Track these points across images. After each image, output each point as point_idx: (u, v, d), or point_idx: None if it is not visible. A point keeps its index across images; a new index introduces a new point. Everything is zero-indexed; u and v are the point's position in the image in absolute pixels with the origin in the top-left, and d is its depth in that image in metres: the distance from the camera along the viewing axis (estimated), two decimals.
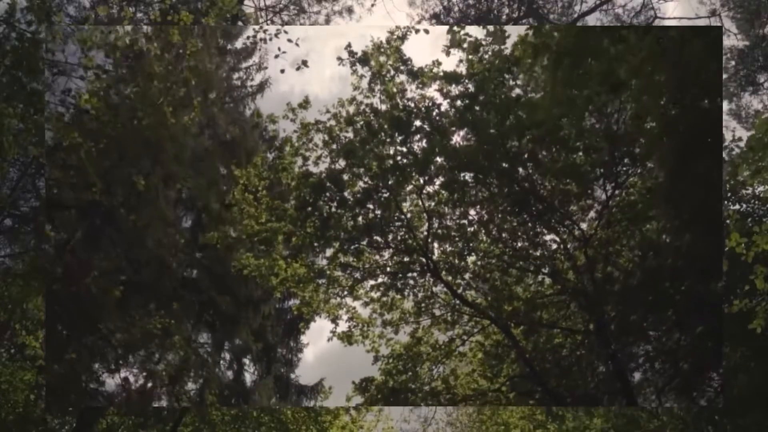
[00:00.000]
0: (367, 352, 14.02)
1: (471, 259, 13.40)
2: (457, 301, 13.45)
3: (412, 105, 11.98)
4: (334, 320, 13.97)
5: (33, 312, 14.26)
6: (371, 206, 12.69)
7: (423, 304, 13.74)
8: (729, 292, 11.69)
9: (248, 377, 19.99)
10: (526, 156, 12.04)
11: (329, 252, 13.25)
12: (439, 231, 13.04)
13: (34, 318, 14.40)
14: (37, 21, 9.87)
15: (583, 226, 12.96)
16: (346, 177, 12.56)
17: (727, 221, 11.27)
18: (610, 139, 11.62)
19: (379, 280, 13.60)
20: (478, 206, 12.83)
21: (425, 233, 12.87)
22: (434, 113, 11.93)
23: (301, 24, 21.44)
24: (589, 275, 12.41)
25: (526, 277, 13.76)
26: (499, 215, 12.73)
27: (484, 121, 11.64)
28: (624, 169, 12.25)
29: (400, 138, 12.09)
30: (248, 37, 20.80)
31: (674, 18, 32.87)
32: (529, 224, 12.81)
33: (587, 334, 12.91)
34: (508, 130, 11.64)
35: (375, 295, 13.85)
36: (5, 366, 14.67)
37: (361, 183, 12.61)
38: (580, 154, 11.94)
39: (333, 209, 12.68)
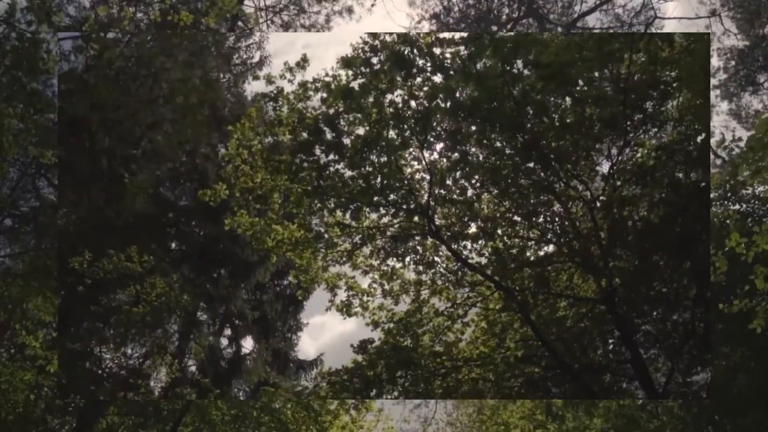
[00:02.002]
0: (366, 325, 13.51)
1: (474, 225, 12.93)
2: (460, 265, 12.92)
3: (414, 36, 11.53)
4: (333, 289, 13.53)
5: (33, 312, 14.26)
6: (370, 162, 12.11)
7: (424, 274, 13.24)
8: (729, 292, 11.71)
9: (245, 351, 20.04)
10: (531, 108, 11.51)
11: (326, 211, 12.79)
12: (441, 192, 12.52)
13: (34, 318, 14.40)
14: (37, 21, 9.90)
15: (588, 187, 12.47)
16: (343, 122, 11.96)
17: (727, 221, 11.32)
18: (622, 90, 11.11)
19: (379, 244, 13.06)
20: (483, 163, 12.24)
21: (426, 193, 12.37)
22: (437, 53, 11.44)
23: (301, 24, 21.46)
24: (596, 238, 12.00)
25: (528, 248, 13.23)
26: (505, 172, 12.13)
27: (490, 69, 11.22)
28: (635, 130, 11.78)
29: (401, 75, 11.50)
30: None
31: (674, 18, 32.93)
32: (535, 179, 12.26)
33: (594, 303, 12.60)
34: (515, 77, 11.26)
35: (375, 262, 13.35)
36: (5, 366, 14.67)
37: (360, 131, 11.99)
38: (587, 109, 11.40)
39: (330, 157, 12.13)
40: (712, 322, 12.39)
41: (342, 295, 13.54)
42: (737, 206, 14.27)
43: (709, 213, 11.40)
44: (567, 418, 16.14)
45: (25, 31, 9.93)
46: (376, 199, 12.44)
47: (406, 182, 12.43)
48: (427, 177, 12.49)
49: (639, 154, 12.19)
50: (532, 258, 13.08)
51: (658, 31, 17.84)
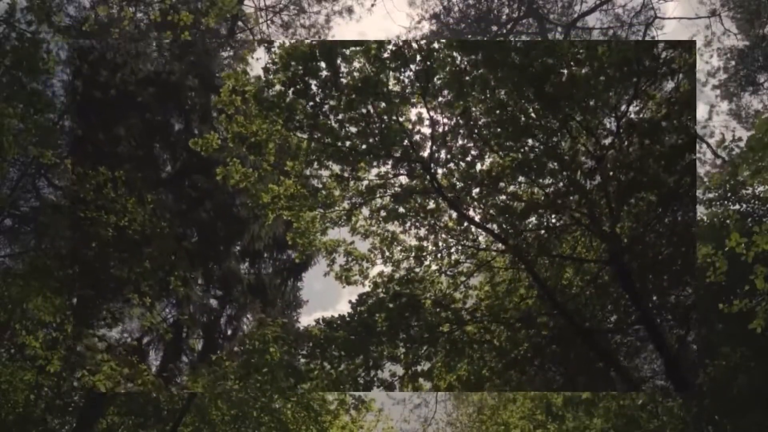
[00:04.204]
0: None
1: (477, 184, 12.50)
2: (465, 225, 12.58)
3: None
4: (331, 254, 13.19)
5: (33, 312, 14.27)
6: (367, 114, 11.62)
7: (426, 241, 12.95)
8: (729, 292, 11.71)
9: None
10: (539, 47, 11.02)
11: (323, 163, 12.35)
12: (444, 149, 12.07)
13: (34, 318, 14.41)
14: (37, 21, 9.92)
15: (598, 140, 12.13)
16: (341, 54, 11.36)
17: (727, 221, 11.34)
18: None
19: (379, 203, 12.59)
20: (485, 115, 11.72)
21: (429, 150, 12.00)
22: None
23: (301, 24, 21.50)
24: (604, 198, 11.76)
25: (534, 210, 12.80)
26: (510, 129, 11.66)
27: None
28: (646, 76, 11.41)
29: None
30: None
31: (674, 18, 32.96)
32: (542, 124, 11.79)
33: (601, 266, 12.45)
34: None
35: (374, 226, 12.93)
36: (5, 366, 14.67)
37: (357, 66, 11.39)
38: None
39: (326, 94, 11.57)
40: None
41: (341, 260, 13.19)
42: (737, 206, 14.28)
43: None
44: (567, 418, 16.13)
45: (25, 31, 9.95)
46: (375, 152, 11.94)
47: (407, 136, 11.94)
48: (429, 132, 12.02)
49: (649, 105, 11.87)
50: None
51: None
